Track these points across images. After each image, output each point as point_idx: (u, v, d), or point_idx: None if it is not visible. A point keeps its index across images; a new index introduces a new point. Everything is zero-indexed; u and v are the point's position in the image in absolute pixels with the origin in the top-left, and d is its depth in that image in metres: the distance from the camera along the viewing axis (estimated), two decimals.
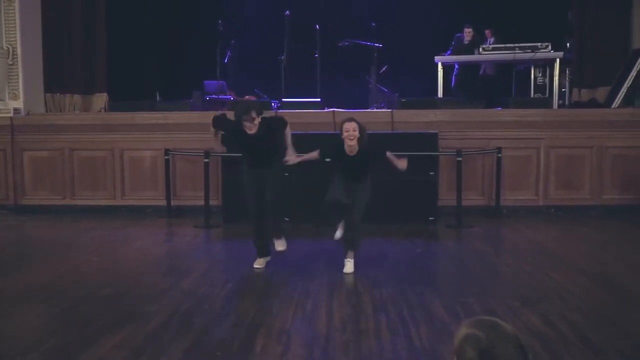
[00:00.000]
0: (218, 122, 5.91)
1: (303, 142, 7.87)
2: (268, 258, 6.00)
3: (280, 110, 9.04)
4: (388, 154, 5.75)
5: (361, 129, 5.60)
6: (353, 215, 5.73)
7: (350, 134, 5.56)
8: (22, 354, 3.90)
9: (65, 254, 6.63)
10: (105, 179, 9.00)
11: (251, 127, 5.53)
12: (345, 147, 5.63)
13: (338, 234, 5.92)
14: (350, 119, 5.67)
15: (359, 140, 5.59)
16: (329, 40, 10.75)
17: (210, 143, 6.37)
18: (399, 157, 5.74)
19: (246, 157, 5.92)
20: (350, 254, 5.81)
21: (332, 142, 5.87)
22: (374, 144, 5.98)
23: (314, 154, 5.94)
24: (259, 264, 5.96)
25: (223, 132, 5.98)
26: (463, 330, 1.90)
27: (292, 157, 5.86)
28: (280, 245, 6.02)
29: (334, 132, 8.29)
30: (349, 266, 5.76)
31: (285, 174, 7.84)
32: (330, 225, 5.93)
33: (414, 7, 11.79)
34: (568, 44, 10.64)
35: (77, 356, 3.87)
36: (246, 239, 6.16)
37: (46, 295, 5.16)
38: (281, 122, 5.89)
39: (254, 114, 5.52)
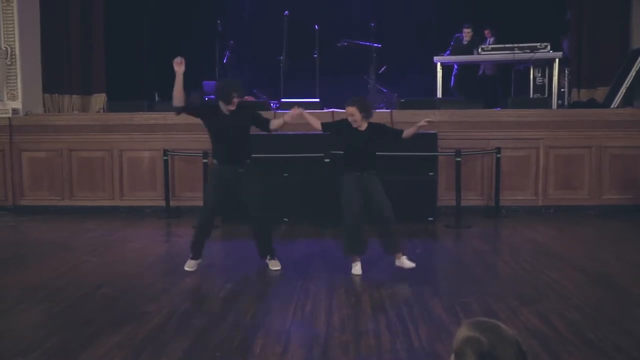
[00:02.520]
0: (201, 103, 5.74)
1: (303, 143, 7.92)
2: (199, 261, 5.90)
3: (279, 111, 9.04)
4: (405, 132, 5.61)
5: (362, 108, 5.42)
6: (384, 216, 5.54)
7: (350, 119, 5.46)
8: (21, 354, 3.90)
9: (64, 254, 6.62)
10: (104, 179, 8.99)
11: (234, 105, 5.47)
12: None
13: (357, 268, 5.67)
14: (349, 102, 5.48)
15: (364, 117, 5.45)
16: (327, 40, 10.74)
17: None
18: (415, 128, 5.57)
19: (219, 147, 5.75)
20: (398, 254, 5.65)
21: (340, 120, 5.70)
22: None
23: (316, 122, 5.70)
24: (189, 266, 5.85)
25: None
26: (464, 332, 1.89)
27: (295, 109, 5.67)
28: (274, 265, 5.90)
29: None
30: (406, 263, 5.61)
31: (285, 174, 7.90)
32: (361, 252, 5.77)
33: (413, 7, 11.79)
34: (564, 43, 10.66)
35: (76, 356, 3.86)
36: (245, 239, 6.15)
37: (45, 295, 5.16)
38: (262, 116, 5.84)
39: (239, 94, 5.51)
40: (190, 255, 5.89)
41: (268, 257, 5.93)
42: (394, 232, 5.64)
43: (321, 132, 5.79)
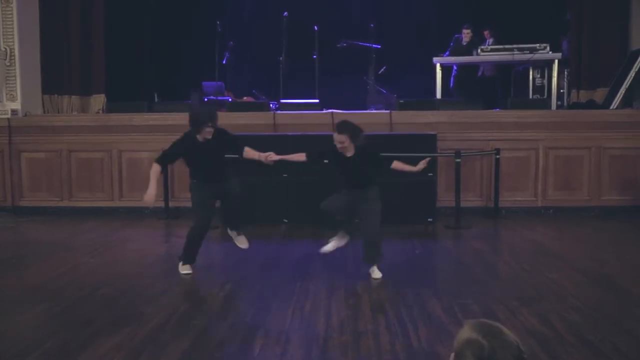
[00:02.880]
0: (174, 150, 5.77)
1: (302, 143, 7.89)
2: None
3: (279, 111, 9.05)
4: (395, 164, 5.60)
5: (351, 135, 5.36)
6: (367, 229, 5.54)
7: (339, 147, 5.41)
8: (21, 354, 3.90)
9: (63, 254, 6.62)
10: (103, 180, 8.99)
11: (210, 133, 5.48)
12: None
13: (328, 246, 5.78)
14: (337, 130, 5.43)
15: (352, 143, 5.40)
16: (327, 40, 10.74)
17: None
18: (414, 162, 5.58)
19: (199, 172, 5.74)
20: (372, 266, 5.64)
21: (325, 146, 5.66)
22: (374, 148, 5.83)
23: (300, 156, 5.72)
24: (186, 269, 5.84)
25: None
26: (466, 333, 1.90)
27: (271, 154, 5.70)
28: (242, 242, 5.97)
29: (332, 133, 8.30)
30: (375, 273, 5.59)
31: (284, 175, 7.89)
32: (330, 229, 5.89)
33: (413, 8, 11.80)
34: (563, 44, 10.66)
35: (76, 356, 3.86)
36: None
37: (45, 295, 5.16)
38: (238, 142, 5.84)
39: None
40: (183, 261, 5.82)
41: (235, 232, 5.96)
42: (376, 245, 5.61)
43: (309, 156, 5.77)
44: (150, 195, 5.67)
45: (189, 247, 5.80)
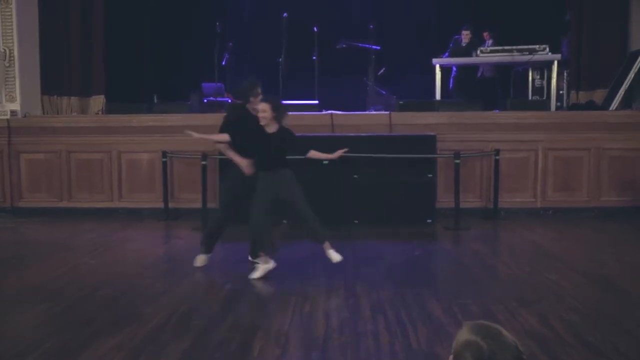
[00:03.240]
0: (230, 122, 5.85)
1: (301, 144, 7.89)
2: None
3: None
4: (311, 153, 5.76)
5: (274, 106, 5.49)
6: (300, 210, 5.61)
7: (261, 115, 5.50)
8: (21, 354, 3.91)
9: (63, 255, 6.62)
10: (103, 181, 8.98)
11: (263, 118, 5.51)
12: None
13: (257, 273, 5.62)
14: (264, 99, 5.59)
15: (274, 117, 5.50)
16: (327, 40, 10.74)
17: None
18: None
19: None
20: (327, 244, 5.69)
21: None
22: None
23: (218, 136, 5.77)
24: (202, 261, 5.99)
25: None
26: (465, 335, 1.89)
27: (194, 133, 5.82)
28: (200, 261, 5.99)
29: (331, 134, 8.32)
30: (333, 256, 5.66)
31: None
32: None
33: (413, 9, 11.79)
34: (564, 45, 10.67)
35: (76, 356, 3.86)
36: (245, 240, 6.13)
37: (44, 296, 5.16)
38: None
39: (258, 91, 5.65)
40: (203, 249, 5.95)
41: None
42: (317, 222, 5.66)
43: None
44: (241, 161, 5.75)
45: (210, 234, 5.99)
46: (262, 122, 5.52)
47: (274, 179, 5.61)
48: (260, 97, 5.69)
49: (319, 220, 5.66)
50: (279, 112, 5.54)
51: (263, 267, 5.61)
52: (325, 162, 7.69)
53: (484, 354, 1.82)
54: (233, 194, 5.87)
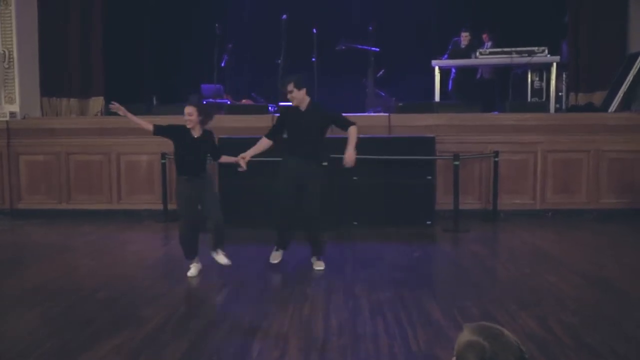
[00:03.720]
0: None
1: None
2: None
3: (277, 114, 9.03)
4: (222, 157, 5.89)
5: (200, 110, 5.53)
6: (214, 217, 5.67)
7: (186, 118, 5.54)
8: (21, 354, 3.91)
9: (61, 257, 6.62)
10: (102, 183, 8.98)
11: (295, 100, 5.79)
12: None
13: (192, 271, 5.76)
14: (190, 102, 5.59)
15: (200, 121, 5.56)
16: (327, 41, 10.73)
17: None
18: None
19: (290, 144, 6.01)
20: (218, 251, 5.77)
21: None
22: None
23: (147, 125, 5.74)
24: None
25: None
26: (467, 335, 1.89)
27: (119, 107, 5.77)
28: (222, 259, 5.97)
29: (330, 135, 8.30)
30: (221, 259, 5.73)
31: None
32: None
33: (411, 11, 11.79)
34: (563, 46, 10.67)
35: (75, 357, 3.87)
36: (244, 243, 6.13)
37: (43, 298, 5.15)
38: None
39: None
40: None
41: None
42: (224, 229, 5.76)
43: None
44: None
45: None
46: (189, 125, 5.57)
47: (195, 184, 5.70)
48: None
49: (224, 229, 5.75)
50: (206, 115, 5.60)
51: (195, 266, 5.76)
52: (324, 163, 7.72)
53: (487, 354, 1.82)
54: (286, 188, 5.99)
